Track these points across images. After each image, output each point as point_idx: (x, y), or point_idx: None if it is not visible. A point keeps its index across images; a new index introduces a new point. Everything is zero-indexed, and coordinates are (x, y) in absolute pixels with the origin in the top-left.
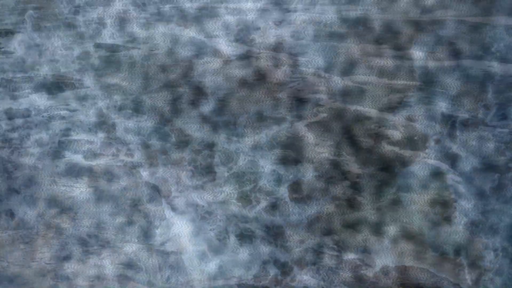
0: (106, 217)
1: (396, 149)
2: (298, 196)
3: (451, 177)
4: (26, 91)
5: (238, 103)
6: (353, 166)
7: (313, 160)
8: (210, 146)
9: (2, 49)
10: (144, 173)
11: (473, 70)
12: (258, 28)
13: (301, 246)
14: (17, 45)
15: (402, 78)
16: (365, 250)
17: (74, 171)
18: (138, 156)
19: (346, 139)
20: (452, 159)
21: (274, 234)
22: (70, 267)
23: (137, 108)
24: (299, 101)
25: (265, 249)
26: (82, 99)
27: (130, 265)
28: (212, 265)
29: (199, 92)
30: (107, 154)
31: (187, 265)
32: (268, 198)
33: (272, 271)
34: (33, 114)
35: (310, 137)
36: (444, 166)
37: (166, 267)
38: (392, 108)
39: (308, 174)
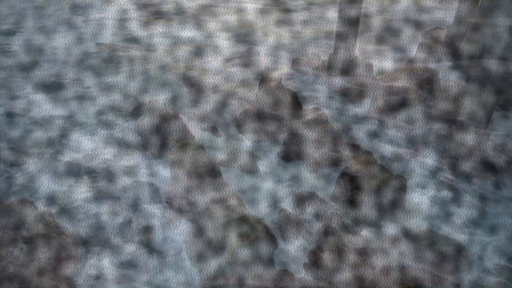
0: (106, 217)
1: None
2: (298, 195)
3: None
4: (26, 91)
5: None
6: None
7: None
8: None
9: (2, 49)
10: (144, 173)
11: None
12: (258, 27)
13: (302, 246)
14: (17, 45)
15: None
16: (365, 250)
17: (74, 171)
18: (138, 156)
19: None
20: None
21: (274, 233)
22: (70, 267)
23: (137, 109)
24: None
25: (265, 249)
26: (82, 98)
27: (130, 265)
28: (211, 265)
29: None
30: (107, 154)
31: (187, 265)
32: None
33: (272, 271)
34: (32, 114)
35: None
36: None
37: (166, 267)
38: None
39: (308, 172)
